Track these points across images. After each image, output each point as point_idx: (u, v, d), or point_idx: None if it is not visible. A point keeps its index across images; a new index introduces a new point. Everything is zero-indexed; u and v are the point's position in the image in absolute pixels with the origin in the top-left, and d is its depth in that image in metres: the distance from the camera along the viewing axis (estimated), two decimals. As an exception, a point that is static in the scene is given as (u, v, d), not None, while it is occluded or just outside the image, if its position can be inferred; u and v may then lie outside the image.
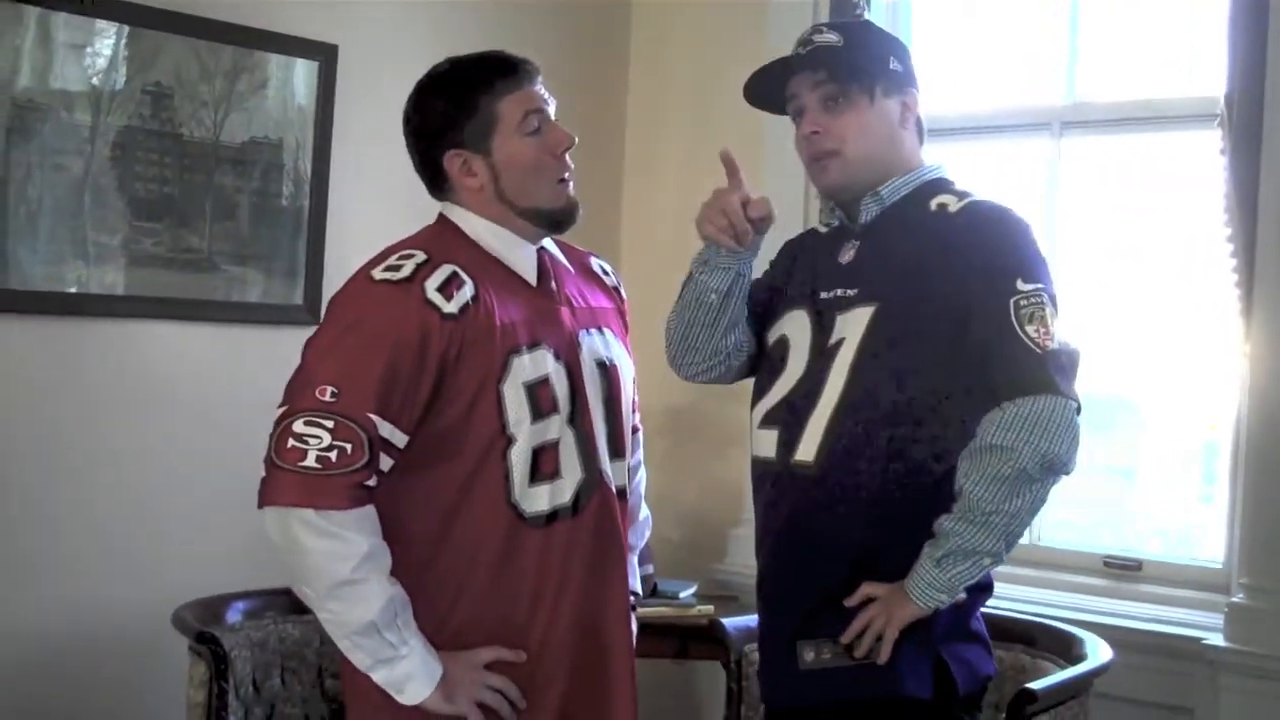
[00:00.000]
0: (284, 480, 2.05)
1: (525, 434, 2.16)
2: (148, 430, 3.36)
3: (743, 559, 3.78)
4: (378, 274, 2.15)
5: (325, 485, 2.04)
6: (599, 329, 2.33)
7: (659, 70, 4.33)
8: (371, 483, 2.08)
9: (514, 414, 2.15)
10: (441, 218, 2.31)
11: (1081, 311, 3.61)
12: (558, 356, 2.22)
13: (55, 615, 3.22)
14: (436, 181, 2.29)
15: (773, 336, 2.39)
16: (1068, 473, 2.15)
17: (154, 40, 3.32)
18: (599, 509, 2.25)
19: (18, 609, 3.16)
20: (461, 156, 2.24)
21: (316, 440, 2.04)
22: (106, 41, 3.26)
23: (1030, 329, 2.12)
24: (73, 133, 3.21)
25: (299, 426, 2.05)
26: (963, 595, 2.19)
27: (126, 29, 3.28)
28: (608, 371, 2.31)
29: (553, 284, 2.29)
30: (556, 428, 2.19)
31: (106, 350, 3.31)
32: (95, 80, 3.25)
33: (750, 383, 2.47)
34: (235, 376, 3.44)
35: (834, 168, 2.32)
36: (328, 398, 2.05)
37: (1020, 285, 2.14)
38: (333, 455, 2.04)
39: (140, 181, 3.32)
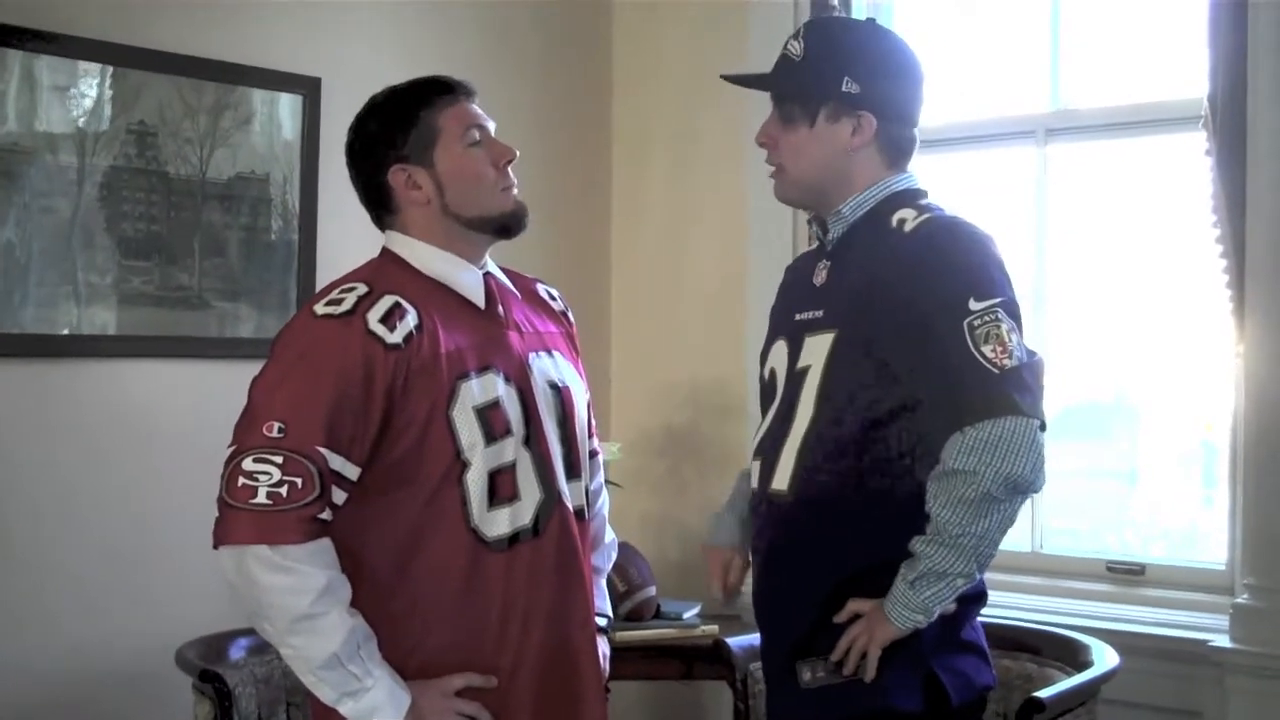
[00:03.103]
0: (237, 519, 2.05)
1: (480, 458, 2.15)
2: (144, 469, 3.35)
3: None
4: (320, 309, 2.15)
5: (278, 521, 2.04)
6: (548, 351, 2.34)
7: (642, 81, 4.34)
8: (325, 516, 2.08)
9: (466, 439, 2.15)
10: (384, 250, 2.31)
11: (1074, 318, 3.64)
12: (508, 379, 2.21)
13: (56, 656, 3.20)
14: (383, 203, 2.29)
15: (765, 370, 2.40)
16: (1035, 491, 2.13)
17: (137, 80, 3.32)
18: (559, 529, 2.24)
19: (17, 650, 3.15)
20: (405, 171, 2.25)
21: (266, 476, 2.04)
22: (90, 82, 3.27)
23: (986, 349, 2.09)
24: (59, 175, 3.21)
25: (248, 464, 2.05)
26: (952, 606, 2.18)
27: (110, 69, 3.28)
28: (560, 393, 2.31)
29: (500, 308, 2.29)
30: (512, 450, 2.19)
31: (100, 390, 3.30)
32: (80, 122, 3.25)
33: (748, 402, 2.48)
34: (230, 413, 3.40)
35: (779, 181, 2.35)
36: (275, 433, 2.05)
37: (973, 305, 2.11)
38: (283, 490, 2.04)
39: (128, 221, 3.32)
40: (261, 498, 2.03)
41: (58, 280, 3.21)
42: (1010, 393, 2.07)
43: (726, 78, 2.41)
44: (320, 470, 2.05)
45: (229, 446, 2.10)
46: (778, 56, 2.34)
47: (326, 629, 2.06)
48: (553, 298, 2.46)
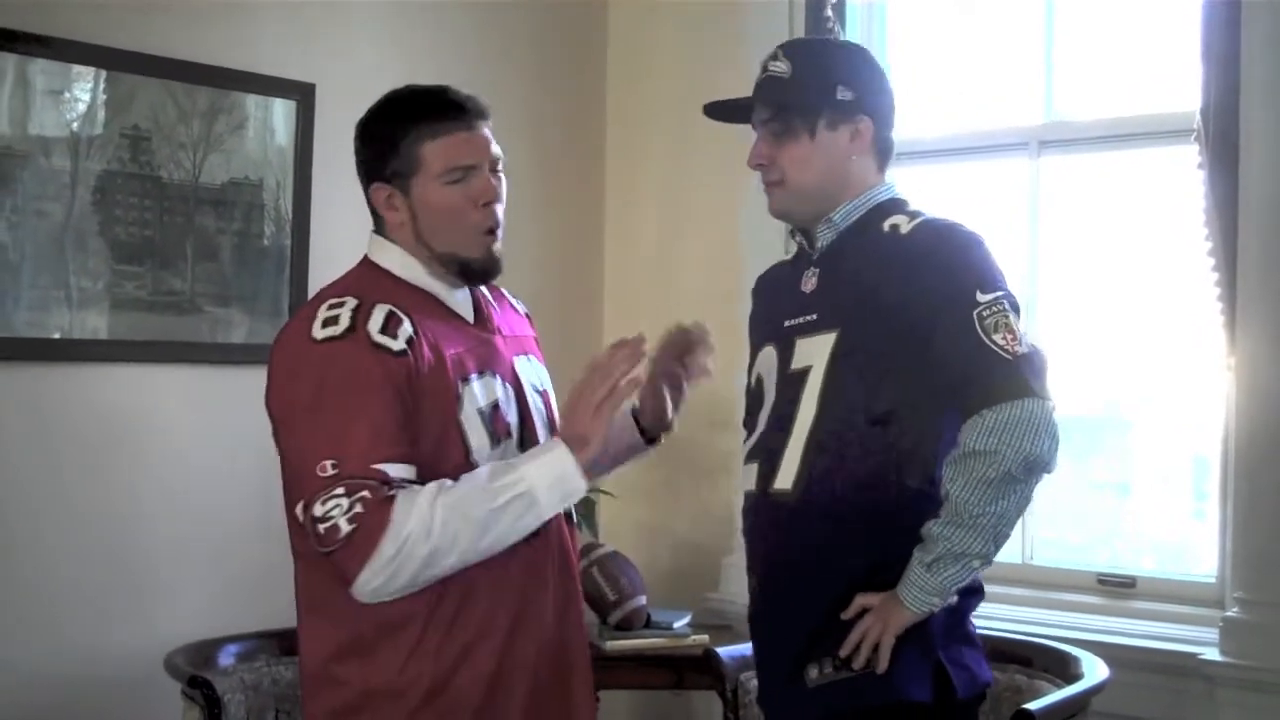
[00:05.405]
0: (345, 561, 2.03)
1: (486, 460, 2.15)
2: (135, 473, 3.35)
3: (736, 587, 3.76)
4: (319, 334, 2.12)
5: (366, 526, 2.01)
6: (526, 355, 2.36)
7: (636, 84, 4.34)
8: (393, 484, 2.04)
9: (475, 441, 2.15)
10: (365, 260, 2.30)
11: (1066, 329, 3.64)
12: (504, 382, 2.23)
13: (46, 662, 3.19)
14: (373, 210, 2.29)
15: (752, 377, 2.43)
16: (1049, 471, 2.19)
17: (131, 84, 3.32)
18: (555, 532, 2.26)
19: (8, 656, 3.14)
20: (386, 191, 2.24)
21: (339, 508, 2.01)
22: (84, 86, 3.26)
23: (998, 337, 2.16)
24: (53, 178, 3.21)
25: (319, 509, 2.03)
26: (955, 598, 2.21)
27: (104, 73, 3.28)
28: (543, 396, 2.33)
29: (484, 314, 2.30)
30: (512, 453, 2.20)
31: (91, 395, 3.29)
32: (74, 125, 3.24)
33: (740, 411, 2.49)
34: (222, 418, 3.42)
35: (777, 196, 2.38)
36: (330, 472, 2.03)
37: (979, 296, 2.18)
38: (359, 507, 2.02)
39: (121, 225, 3.32)
40: (345, 529, 2.01)
41: (50, 284, 3.21)
42: (1026, 376, 2.15)
43: (711, 114, 2.45)
44: (384, 482, 2.03)
45: (294, 506, 2.08)
46: (760, 79, 2.38)
47: (460, 510, 2.04)
48: (517, 300, 2.47)
